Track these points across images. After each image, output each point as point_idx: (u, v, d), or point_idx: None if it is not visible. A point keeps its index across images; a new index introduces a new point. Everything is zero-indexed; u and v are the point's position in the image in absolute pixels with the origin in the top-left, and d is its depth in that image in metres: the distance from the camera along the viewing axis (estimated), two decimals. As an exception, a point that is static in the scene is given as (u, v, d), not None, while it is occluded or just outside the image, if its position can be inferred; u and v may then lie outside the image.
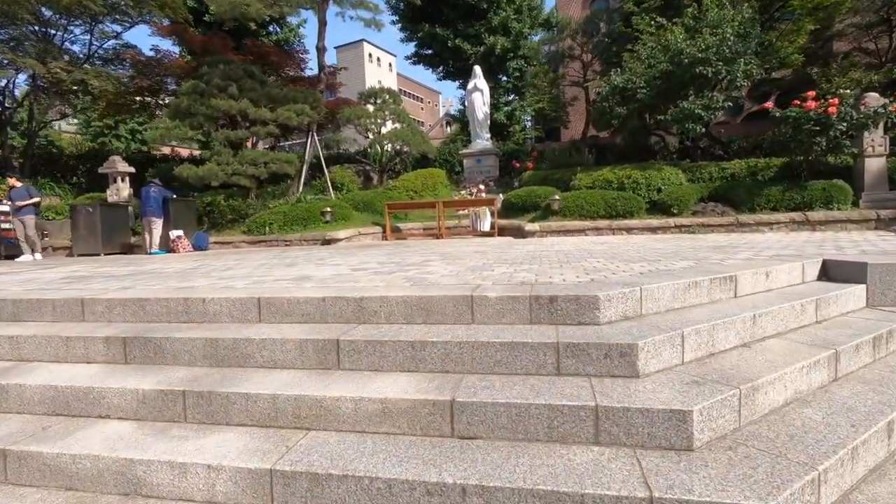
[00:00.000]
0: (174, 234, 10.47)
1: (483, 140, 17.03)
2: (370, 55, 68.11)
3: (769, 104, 9.47)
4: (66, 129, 31.58)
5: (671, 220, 9.12)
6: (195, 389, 2.42)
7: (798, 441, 1.99)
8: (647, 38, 12.23)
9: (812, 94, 8.79)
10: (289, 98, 11.65)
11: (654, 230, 9.15)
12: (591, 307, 2.64)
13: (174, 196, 10.81)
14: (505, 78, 22.87)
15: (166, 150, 19.56)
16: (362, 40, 66.72)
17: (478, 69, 17.07)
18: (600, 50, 17.37)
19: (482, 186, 14.87)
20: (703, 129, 9.67)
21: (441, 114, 67.67)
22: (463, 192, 15.29)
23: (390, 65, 72.41)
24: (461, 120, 25.87)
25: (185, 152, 20.04)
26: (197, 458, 2.05)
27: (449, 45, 20.80)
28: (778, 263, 3.81)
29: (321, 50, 13.05)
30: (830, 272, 4.04)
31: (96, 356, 2.94)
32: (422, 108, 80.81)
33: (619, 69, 11.51)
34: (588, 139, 18.23)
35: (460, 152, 17.57)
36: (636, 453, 1.94)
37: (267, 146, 18.32)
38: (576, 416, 2.03)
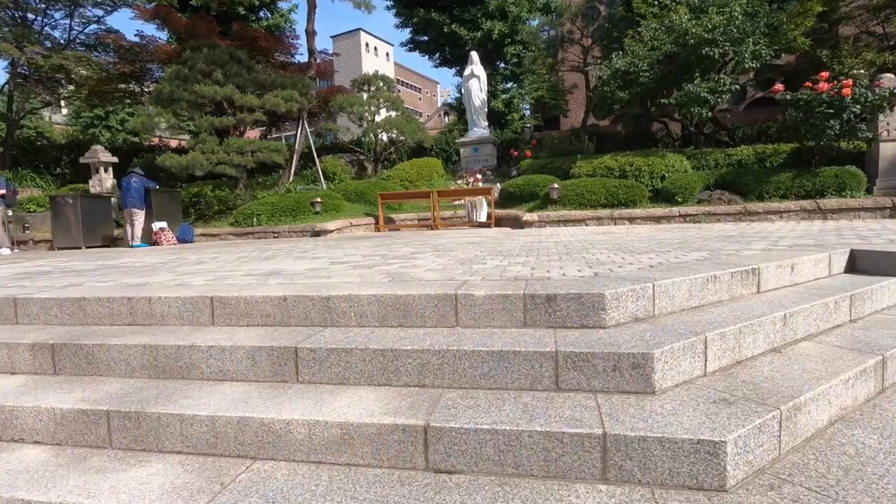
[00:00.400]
0: (157, 226, 10.04)
1: (480, 128, 16.55)
2: (367, 44, 67.20)
3: (779, 87, 9.02)
4: (57, 122, 31.04)
5: (676, 209, 8.71)
6: (122, 409, 2.02)
7: (856, 476, 1.60)
8: (650, 19, 11.73)
9: (825, 74, 8.33)
10: (276, 84, 11.16)
11: (657, 220, 8.73)
12: (596, 307, 2.24)
13: (156, 186, 10.36)
14: (503, 64, 22.32)
15: (155, 140, 19.10)
16: (359, 29, 65.83)
17: (474, 55, 16.55)
18: (600, 35, 16.83)
19: (479, 176, 14.43)
20: (709, 114, 9.22)
21: (439, 104, 66.94)
22: (459, 181, 14.86)
23: (387, 54, 71.46)
24: (458, 109, 25.33)
25: (174, 142, 19.52)
26: (108, 501, 1.65)
27: (445, 30, 20.23)
28: (802, 254, 3.40)
29: (311, 34, 12.53)
30: (859, 264, 3.64)
31: (21, 366, 2.54)
32: (420, 99, 79.99)
33: (620, 53, 11.02)
34: (588, 127, 17.76)
35: (457, 141, 17.10)
36: (655, 495, 1.54)
37: (258, 136, 17.86)
38: (579, 446, 1.63)
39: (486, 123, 16.87)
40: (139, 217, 9.89)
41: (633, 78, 10.46)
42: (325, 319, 2.52)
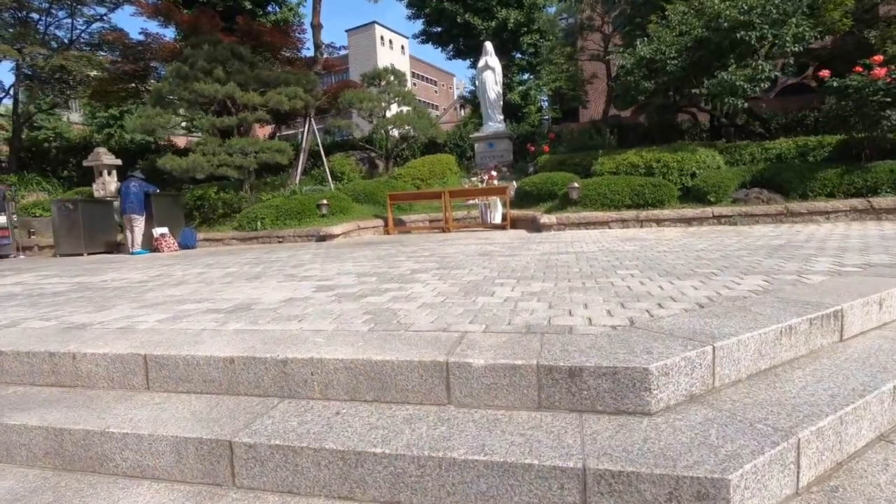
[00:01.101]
0: (158, 231, 9.67)
1: (495, 122, 15.85)
2: (382, 38, 66.66)
3: (825, 72, 8.16)
4: (75, 121, 31.27)
5: (709, 210, 7.95)
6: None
7: None
8: (677, 2, 10.88)
9: (879, 58, 7.44)
10: (280, 80, 10.65)
11: (688, 221, 7.99)
12: (638, 387, 1.63)
13: (157, 191, 9.98)
14: (519, 55, 21.50)
15: (168, 140, 18.83)
16: (374, 22, 65.31)
17: (489, 45, 15.81)
18: (622, 20, 15.91)
19: (494, 173, 13.74)
20: (745, 105, 8.40)
21: (455, 97, 66.03)
22: (474, 178, 14.19)
23: (403, 47, 70.75)
24: (473, 102, 24.61)
25: (182, 141, 19.21)
26: None
27: (458, 20, 19.51)
28: (892, 285, 2.72)
29: (316, 27, 11.99)
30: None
31: None
32: (436, 92, 79.22)
33: (645, 39, 10.20)
34: (609, 118, 16.89)
35: (471, 136, 16.43)
36: None
37: (268, 134, 17.47)
38: None
39: (502, 117, 16.15)
40: (139, 223, 9.52)
41: (660, 66, 9.66)
42: (282, 389, 1.96)
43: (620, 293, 2.89)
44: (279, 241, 9.97)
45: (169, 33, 14.92)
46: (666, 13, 10.27)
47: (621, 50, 11.70)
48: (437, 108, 75.70)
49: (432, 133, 15.22)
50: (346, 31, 67.90)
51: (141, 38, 13.97)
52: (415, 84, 72.78)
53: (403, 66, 68.73)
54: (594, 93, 26.32)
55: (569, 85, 22.48)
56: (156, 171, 11.75)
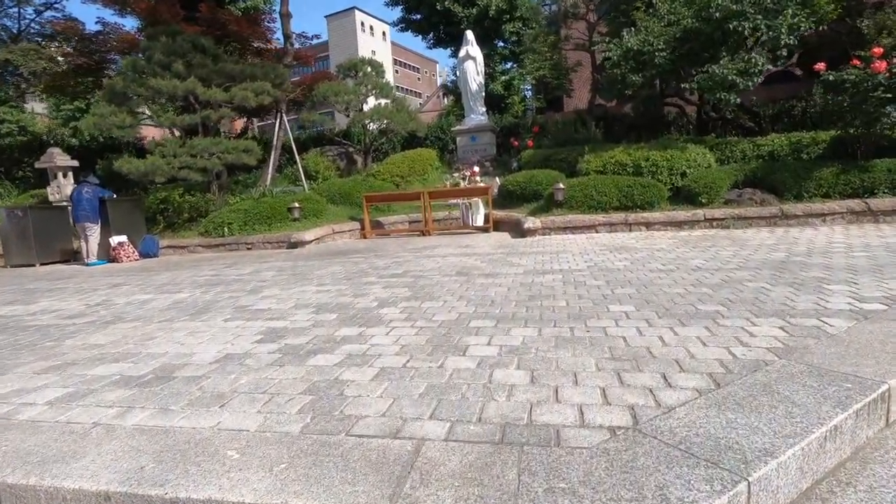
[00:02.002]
0: (115, 240, 9.00)
1: (477, 115, 15.28)
2: (362, 24, 65.11)
3: (821, 65, 7.77)
4: (40, 112, 29.78)
5: (700, 212, 7.55)
6: None
7: None
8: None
9: (879, 50, 7.04)
10: (246, 75, 9.94)
11: (679, 225, 7.59)
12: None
13: (112, 196, 9.28)
14: (501, 43, 20.85)
15: (143, 134, 17.72)
16: (353, 8, 63.74)
17: (469, 34, 15.16)
18: (606, 7, 15.37)
19: (476, 169, 13.23)
20: (737, 100, 7.98)
21: (439, 84, 64.88)
22: (455, 174, 13.66)
23: (384, 33, 69.23)
24: (455, 91, 23.93)
25: (157, 133, 18.21)
26: None
27: (438, 7, 18.76)
28: (935, 342, 2.30)
29: (285, 16, 11.23)
30: None
31: None
32: (419, 79, 77.99)
33: (632, 30, 9.71)
34: (595, 108, 16.42)
35: (452, 129, 15.84)
36: None
37: (241, 128, 16.65)
38: None
39: (484, 109, 15.58)
40: (93, 232, 8.83)
41: (648, 59, 9.18)
42: (172, 539, 1.46)
43: (616, 352, 2.43)
44: (248, 248, 9.37)
45: (129, 23, 13.97)
46: (654, 1, 9.78)
47: (607, 40, 11.20)
48: (419, 95, 74.54)
49: (412, 127, 14.59)
50: (325, 16, 66.19)
51: (99, 28, 13.05)
52: (397, 71, 71.47)
53: (385, 52, 67.36)
54: (578, 81, 25.82)
55: (553, 73, 21.91)
56: (117, 172, 10.99)
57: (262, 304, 4.21)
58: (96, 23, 12.84)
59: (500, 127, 16.59)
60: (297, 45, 13.56)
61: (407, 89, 74.23)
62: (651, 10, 9.97)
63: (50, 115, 27.27)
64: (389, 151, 16.73)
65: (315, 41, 17.34)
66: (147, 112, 9.69)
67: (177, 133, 10.48)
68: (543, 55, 18.70)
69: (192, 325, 3.62)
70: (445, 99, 39.95)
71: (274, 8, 15.89)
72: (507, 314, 3.30)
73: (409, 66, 75.89)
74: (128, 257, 8.97)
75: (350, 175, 15.09)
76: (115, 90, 9.21)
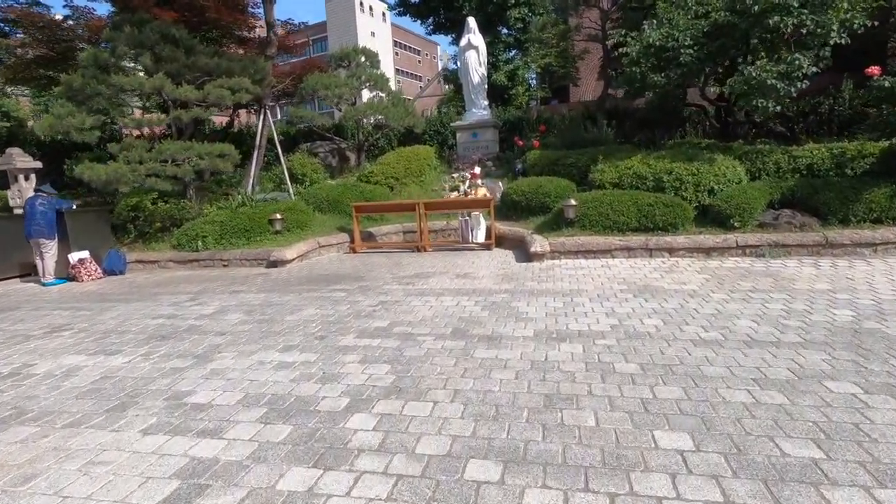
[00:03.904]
0: (75, 257, 8.09)
1: (479, 109, 14.23)
2: (361, 4, 63.12)
3: (876, 69, 6.78)
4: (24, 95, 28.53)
5: (732, 238, 6.62)
6: None
7: None
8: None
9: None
10: (222, 69, 8.90)
11: (707, 252, 6.67)
12: None
13: (72, 207, 8.34)
14: (505, 31, 19.58)
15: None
16: (352, -13, 61.59)
17: (471, 21, 14.01)
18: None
19: (478, 170, 12.26)
20: (777, 108, 6.98)
21: (440, 66, 63.08)
22: (455, 175, 12.72)
23: (384, 14, 67.17)
24: (455, 81, 22.72)
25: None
26: None
27: (438, -9, 17.51)
28: None
29: (268, 2, 10.14)
30: None
31: None
32: (419, 62, 76.12)
33: (654, 22, 8.64)
34: (606, 99, 15.30)
35: (452, 125, 14.80)
36: None
37: (222, 124, 15.58)
38: None
39: (487, 103, 14.51)
40: (49, 248, 7.92)
41: (672, 56, 8.15)
42: None
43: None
44: (224, 265, 8.47)
45: (104, 9, 12.81)
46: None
47: (623, 33, 10.11)
48: (420, 79, 72.78)
49: (409, 122, 13.56)
50: (323, -4, 64.09)
51: (67, 12, 11.94)
52: (397, 54, 69.62)
53: (385, 34, 65.52)
54: (586, 69, 24.60)
55: (559, 62, 20.75)
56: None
57: (204, 390, 3.32)
58: (64, 6, 11.67)
59: (504, 121, 15.55)
60: (280, 32, 12.44)
61: (407, 72, 72.47)
62: (674, 0, 8.87)
63: (32, 102, 26.09)
64: (385, 147, 15.72)
65: (302, 26, 16.14)
66: (109, 111, 8.67)
67: (157, 130, 9.46)
68: (550, 43, 17.54)
69: (99, 440, 2.73)
70: (447, 86, 38.58)
71: (259, -9, 14.68)
72: (517, 445, 2.41)
73: (410, 48, 73.93)
74: (89, 276, 8.07)
75: (342, 173, 14.11)
76: (73, 87, 8.20)
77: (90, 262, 8.17)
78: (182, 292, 6.64)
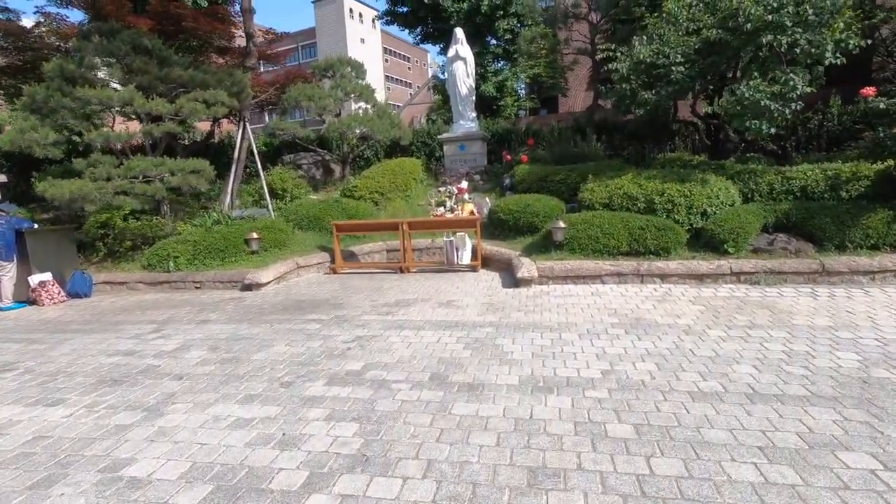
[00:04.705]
0: (35, 279, 7.62)
1: (467, 121, 13.95)
2: (351, 10, 62.87)
3: (871, 90, 6.61)
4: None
5: (726, 264, 6.37)
6: None
7: None
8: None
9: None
10: (197, 82, 8.51)
11: (700, 279, 6.42)
12: None
13: (32, 226, 7.87)
14: (494, 41, 19.39)
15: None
16: (341, -6, 61.38)
17: (459, 33, 13.76)
18: (603, 3, 13.99)
19: (465, 185, 11.98)
20: (771, 130, 6.76)
21: (430, 74, 62.95)
22: (441, 189, 12.43)
23: (373, 21, 66.97)
24: (443, 91, 22.47)
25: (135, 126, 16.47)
26: None
27: (426, 0, 17.24)
28: None
29: (247, 12, 9.77)
30: None
31: None
32: (409, 69, 76.03)
33: (643, 37, 8.43)
34: (594, 110, 15.09)
35: (439, 137, 14.51)
36: None
37: (204, 131, 15.13)
38: None
39: (475, 115, 14.24)
40: (7, 271, 7.45)
41: (663, 73, 7.94)
42: None
43: None
44: (196, 287, 8.06)
45: (78, 16, 12.37)
46: (661, 4, 8.49)
47: (613, 48, 9.92)
48: (409, 85, 72.64)
49: (395, 135, 13.25)
50: (312, 1, 63.87)
51: (39, 19, 11.46)
52: (387, 60, 69.45)
53: (374, 40, 65.32)
54: (575, 80, 24.53)
55: (548, 72, 20.61)
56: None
57: (147, 457, 2.94)
58: (35, 12, 11.22)
59: (492, 133, 15.31)
60: (261, 40, 12.08)
61: (397, 79, 72.32)
62: (664, 15, 8.68)
63: (9, 108, 25.33)
64: (372, 158, 15.39)
65: (284, 35, 15.77)
66: (74, 125, 8.21)
67: (131, 143, 9.02)
68: (539, 55, 17.36)
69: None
70: (435, 92, 38.38)
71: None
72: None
73: (400, 54, 73.82)
74: (51, 299, 7.61)
75: (326, 186, 13.75)
76: (37, 100, 7.76)
77: (52, 285, 7.71)
78: (146, 321, 6.23)
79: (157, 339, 5.44)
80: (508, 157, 12.32)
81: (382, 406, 3.44)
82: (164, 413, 3.54)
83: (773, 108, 6.52)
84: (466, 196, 11.54)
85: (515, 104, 21.82)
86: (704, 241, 6.93)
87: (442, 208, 11.20)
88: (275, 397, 3.70)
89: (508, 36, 18.79)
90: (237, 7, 11.37)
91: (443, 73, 19.73)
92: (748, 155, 10.36)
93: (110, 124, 10.80)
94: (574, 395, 3.47)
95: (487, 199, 11.14)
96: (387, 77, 69.11)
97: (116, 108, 8.10)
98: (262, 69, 15.99)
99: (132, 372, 4.44)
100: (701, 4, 8.02)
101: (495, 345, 4.59)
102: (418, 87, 62.31)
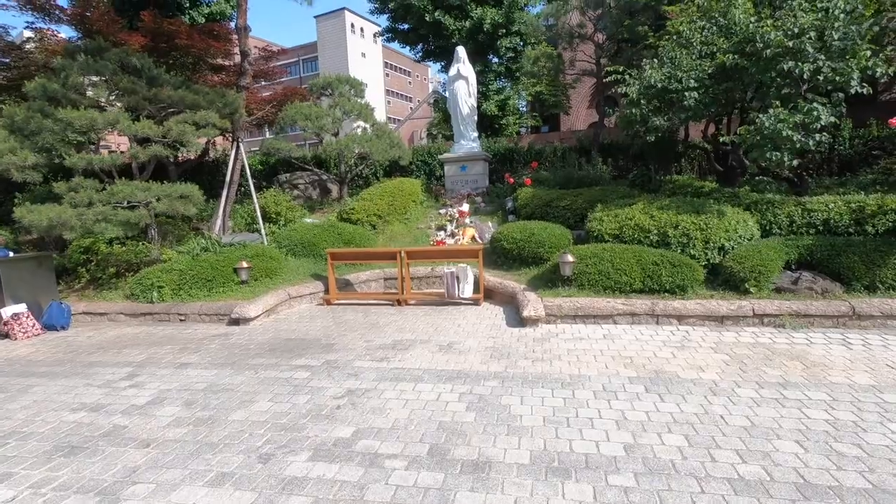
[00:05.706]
0: (8, 311, 7.14)
1: (468, 141, 13.61)
2: (352, 25, 63.26)
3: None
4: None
5: (748, 305, 5.92)
6: None
7: None
8: (687, 15, 8.81)
9: None
10: (187, 103, 8.13)
11: (720, 321, 5.96)
12: None
13: (8, 254, 7.43)
14: (496, 59, 19.15)
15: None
16: (343, 9, 61.97)
17: (461, 51, 13.48)
18: (611, 22, 13.74)
19: (466, 208, 11.62)
20: (795, 162, 6.37)
21: (430, 89, 63.07)
22: (442, 212, 12.04)
23: (375, 36, 67.25)
24: (444, 110, 22.20)
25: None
26: None
27: (427, 18, 17.00)
28: None
29: (242, 30, 9.44)
30: None
31: None
32: (410, 83, 76.33)
33: (654, 61, 8.09)
34: (600, 131, 14.74)
35: (440, 157, 14.17)
36: None
37: (200, 143, 14.76)
38: None
39: (476, 135, 13.91)
40: (-22, 303, 6.98)
41: (676, 98, 7.57)
42: None
43: None
44: (181, 320, 7.58)
45: (70, 32, 12.07)
46: (667, 27, 8.17)
47: (620, 70, 9.57)
48: (410, 100, 72.85)
49: (394, 155, 12.88)
50: (314, 17, 64.32)
51: (30, 35, 11.13)
52: (388, 75, 69.71)
53: (376, 55, 65.57)
54: (577, 97, 24.33)
55: (550, 90, 20.39)
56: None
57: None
58: (26, 27, 10.91)
59: (494, 153, 14.99)
60: (257, 57, 11.75)
61: (398, 93, 72.56)
62: (675, 38, 8.35)
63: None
64: (370, 178, 15.03)
65: (280, 51, 15.48)
66: (56, 148, 7.80)
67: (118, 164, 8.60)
68: (542, 73, 17.11)
69: None
70: (435, 109, 38.26)
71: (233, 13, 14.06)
72: None
73: (401, 69, 74.17)
74: (24, 333, 7.13)
75: (323, 206, 13.34)
76: (16, 121, 7.37)
77: (27, 317, 7.23)
78: (122, 363, 5.74)
79: (129, 388, 4.95)
80: (511, 179, 11.94)
81: (374, 494, 2.96)
82: (120, 499, 3.05)
83: (795, 138, 6.11)
84: (468, 220, 11.16)
85: (517, 122, 21.54)
86: (723, 279, 6.49)
87: (442, 232, 10.80)
88: (250, 476, 3.21)
89: (511, 54, 18.56)
90: (234, 24, 11.01)
91: (443, 88, 19.47)
92: (760, 178, 10.01)
93: (101, 140, 10.44)
94: (595, 483, 2.99)
95: (490, 224, 10.73)
96: (387, 91, 69.33)
97: (102, 130, 7.69)
98: (262, 83, 15.67)
99: (95, 435, 3.95)
100: (714, 28, 7.69)
101: (502, 405, 4.12)
102: (419, 101, 62.40)
